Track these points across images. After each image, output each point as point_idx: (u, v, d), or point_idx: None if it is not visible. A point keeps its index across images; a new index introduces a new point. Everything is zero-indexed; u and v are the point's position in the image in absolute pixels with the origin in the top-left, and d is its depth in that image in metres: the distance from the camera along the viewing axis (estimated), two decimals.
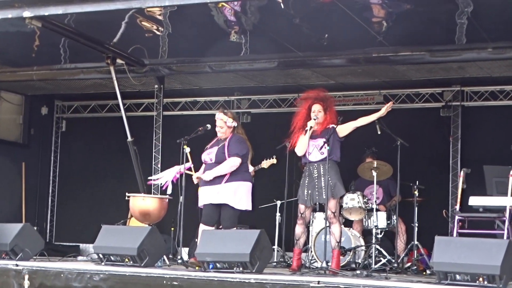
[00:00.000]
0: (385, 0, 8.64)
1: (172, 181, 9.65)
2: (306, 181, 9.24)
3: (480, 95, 12.28)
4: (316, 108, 9.27)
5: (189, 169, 9.55)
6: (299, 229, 9.33)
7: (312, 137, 9.18)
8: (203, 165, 9.42)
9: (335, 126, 9.23)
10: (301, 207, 9.28)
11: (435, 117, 12.39)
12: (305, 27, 9.63)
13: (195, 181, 9.38)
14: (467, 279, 7.16)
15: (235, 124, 9.33)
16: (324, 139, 8.98)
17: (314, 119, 9.16)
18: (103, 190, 14.16)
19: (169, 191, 9.62)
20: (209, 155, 9.27)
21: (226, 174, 9.12)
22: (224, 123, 9.27)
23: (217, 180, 9.16)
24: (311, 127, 9.13)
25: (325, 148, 8.96)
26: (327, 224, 9.18)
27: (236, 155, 9.13)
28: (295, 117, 9.48)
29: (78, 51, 11.06)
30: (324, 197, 9.04)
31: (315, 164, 9.19)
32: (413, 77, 11.93)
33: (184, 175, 9.48)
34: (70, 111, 14.98)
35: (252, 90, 13.33)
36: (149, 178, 10.15)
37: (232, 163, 9.13)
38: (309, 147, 9.17)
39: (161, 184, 9.90)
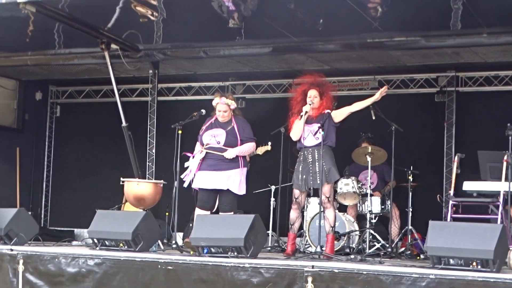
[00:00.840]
0: None
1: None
2: (301, 166, 9.24)
3: (474, 81, 12.29)
4: (312, 93, 9.26)
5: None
6: (293, 214, 9.34)
7: (308, 122, 9.18)
8: (197, 145, 9.44)
9: (330, 112, 9.24)
10: (296, 192, 9.29)
11: (429, 103, 12.40)
12: (300, 12, 9.61)
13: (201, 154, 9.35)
14: (461, 264, 7.19)
15: (235, 105, 9.43)
16: (319, 124, 8.98)
17: (310, 104, 9.16)
18: (97, 175, 14.14)
19: (186, 184, 9.53)
20: (215, 137, 9.28)
21: (230, 161, 9.22)
22: (228, 106, 9.33)
23: (219, 166, 9.21)
24: (306, 112, 9.12)
25: (320, 133, 8.97)
26: (321, 209, 9.20)
27: (253, 140, 9.40)
28: (291, 102, 9.48)
29: (72, 36, 11.03)
30: (319, 182, 9.06)
31: (310, 149, 9.20)
32: (407, 62, 11.92)
33: (179, 160, 9.48)
34: (64, 96, 14.95)
35: (247, 75, 13.32)
36: (182, 177, 9.92)
37: (253, 148, 9.47)
38: (304, 132, 9.17)
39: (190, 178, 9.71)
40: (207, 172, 9.26)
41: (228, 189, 9.22)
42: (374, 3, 9.29)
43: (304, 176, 9.18)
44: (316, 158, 9.14)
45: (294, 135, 9.32)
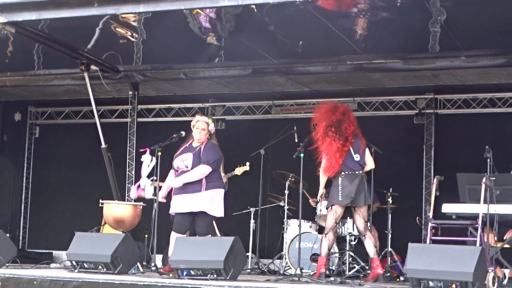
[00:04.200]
0: (360, 9, 8.67)
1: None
2: None
3: (453, 103, 12.37)
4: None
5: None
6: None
7: None
8: (171, 172, 9.46)
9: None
10: None
11: (408, 125, 12.45)
12: (280, 34, 9.65)
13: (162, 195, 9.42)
14: (440, 286, 7.22)
15: (213, 128, 9.41)
16: None
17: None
18: (76, 197, 14.06)
19: (148, 195, 9.56)
20: (183, 162, 9.28)
21: (202, 183, 9.16)
22: (207, 125, 9.36)
23: (193, 188, 9.19)
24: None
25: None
26: (302, 231, 9.24)
27: (206, 163, 9.19)
28: (317, 141, 9.53)
29: (52, 57, 11.00)
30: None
31: None
32: (387, 84, 11.98)
33: (158, 183, 9.48)
34: (43, 117, 14.89)
35: (227, 97, 13.33)
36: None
37: (202, 170, 9.20)
38: None
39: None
40: (180, 196, 9.28)
41: (202, 211, 9.19)
42: (354, 26, 9.34)
43: None
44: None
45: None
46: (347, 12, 8.73)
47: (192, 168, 9.21)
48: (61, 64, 11.56)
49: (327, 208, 9.59)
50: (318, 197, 9.62)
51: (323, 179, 9.47)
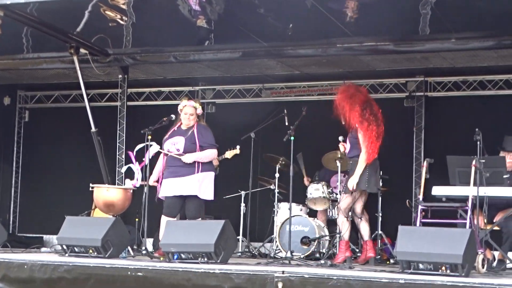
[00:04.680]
0: None
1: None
2: None
3: (443, 86, 12.38)
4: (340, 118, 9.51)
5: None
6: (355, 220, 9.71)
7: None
8: (161, 156, 9.46)
9: (357, 127, 9.43)
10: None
11: (398, 107, 12.46)
12: (270, 17, 9.62)
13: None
14: (430, 268, 7.24)
15: (201, 111, 9.43)
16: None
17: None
18: (66, 181, 14.04)
19: (136, 181, 9.59)
20: (175, 145, 9.30)
21: (196, 166, 9.19)
22: (194, 110, 9.37)
23: (187, 171, 9.21)
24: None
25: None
26: (292, 215, 9.25)
27: (213, 146, 9.34)
28: (352, 126, 9.52)
29: (41, 40, 10.96)
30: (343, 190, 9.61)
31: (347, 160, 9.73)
32: (377, 67, 11.98)
33: (148, 166, 9.48)
34: (33, 101, 14.85)
35: (217, 80, 13.31)
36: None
37: (213, 154, 9.41)
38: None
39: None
40: (170, 179, 9.29)
41: (194, 195, 9.22)
42: (344, 9, 9.32)
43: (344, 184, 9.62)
44: (349, 168, 9.56)
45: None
46: None
47: (184, 151, 9.23)
48: (50, 48, 11.51)
49: (345, 192, 9.47)
50: (354, 185, 9.33)
51: (363, 167, 9.31)
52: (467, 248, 7.18)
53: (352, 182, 9.29)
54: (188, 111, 9.36)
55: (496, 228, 8.88)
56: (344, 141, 9.68)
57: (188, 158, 9.23)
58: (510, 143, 9.41)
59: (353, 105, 9.40)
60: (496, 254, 9.04)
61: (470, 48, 10.40)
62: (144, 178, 9.52)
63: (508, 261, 8.89)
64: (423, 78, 12.36)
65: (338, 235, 10.23)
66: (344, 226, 9.48)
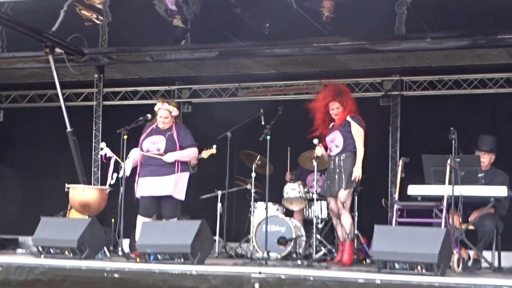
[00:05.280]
0: None
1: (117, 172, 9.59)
2: (326, 174, 9.67)
3: (419, 85, 12.42)
4: (335, 105, 9.54)
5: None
6: (334, 221, 9.61)
7: (330, 132, 9.56)
8: (136, 149, 9.43)
9: (350, 120, 9.46)
10: (328, 199, 9.59)
11: (374, 107, 12.48)
12: (247, 16, 9.62)
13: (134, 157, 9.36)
14: (406, 268, 7.29)
15: (177, 113, 9.41)
16: (339, 133, 9.43)
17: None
18: (42, 181, 13.95)
19: (111, 180, 9.56)
20: (155, 144, 9.31)
21: (175, 165, 9.21)
22: (169, 113, 9.38)
23: (167, 171, 9.21)
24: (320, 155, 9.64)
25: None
26: (269, 215, 9.24)
27: (194, 145, 9.42)
28: (315, 115, 9.65)
29: (16, 40, 10.89)
30: (337, 188, 9.37)
31: (333, 157, 9.53)
32: (353, 66, 12.02)
33: (124, 166, 9.44)
34: (8, 101, 14.73)
35: (193, 80, 13.29)
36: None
37: (194, 153, 9.52)
38: (328, 143, 9.55)
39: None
40: (148, 178, 9.28)
41: (169, 195, 9.22)
42: (320, 9, 9.34)
43: (328, 183, 9.49)
44: (337, 165, 9.42)
45: None
46: None
47: (164, 151, 9.26)
48: (26, 47, 11.42)
49: (347, 188, 9.42)
50: (359, 176, 9.41)
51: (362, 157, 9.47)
52: (442, 248, 7.23)
53: (357, 173, 9.35)
54: (162, 114, 9.38)
55: (471, 227, 8.94)
56: (320, 142, 9.65)
57: (170, 157, 9.24)
58: (485, 142, 9.48)
59: (351, 97, 9.69)
60: (472, 253, 9.09)
61: (445, 48, 10.46)
62: (121, 182, 9.47)
63: (483, 260, 8.95)
64: (398, 77, 12.39)
65: (314, 235, 10.21)
66: (351, 226, 9.50)
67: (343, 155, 9.42)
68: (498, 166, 9.46)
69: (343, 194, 9.33)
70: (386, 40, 10.45)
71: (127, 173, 9.36)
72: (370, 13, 9.38)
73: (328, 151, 9.62)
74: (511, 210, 9.73)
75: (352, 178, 9.34)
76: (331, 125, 9.68)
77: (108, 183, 9.52)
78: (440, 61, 11.45)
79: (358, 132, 9.48)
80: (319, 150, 9.70)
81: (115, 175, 9.48)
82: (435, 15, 9.35)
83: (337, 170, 9.42)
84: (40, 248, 8.87)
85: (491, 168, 9.33)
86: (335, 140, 9.50)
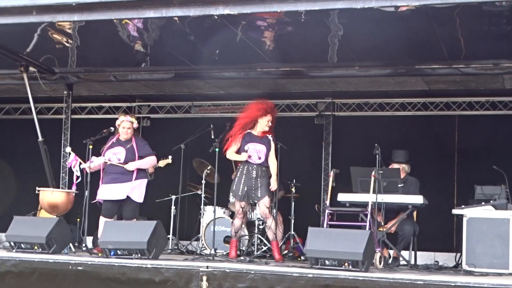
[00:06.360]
0: (269, 23, 8.71)
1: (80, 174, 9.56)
2: (243, 180, 9.28)
3: (348, 106, 12.53)
4: (269, 118, 9.44)
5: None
6: (238, 222, 9.40)
7: (253, 141, 9.33)
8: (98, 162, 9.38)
9: (271, 139, 9.39)
10: (241, 203, 9.31)
11: (310, 125, 12.56)
12: (199, 43, 9.62)
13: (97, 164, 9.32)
14: (335, 264, 7.33)
15: (137, 125, 9.55)
16: (264, 145, 9.31)
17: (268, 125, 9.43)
18: (15, 184, 13.74)
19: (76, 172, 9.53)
20: (116, 155, 9.35)
21: (133, 173, 9.25)
22: (131, 124, 9.43)
23: (126, 178, 9.24)
24: (249, 156, 9.29)
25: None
26: (216, 217, 9.22)
27: (153, 154, 9.46)
28: (243, 116, 9.51)
29: None
30: (260, 195, 9.22)
31: (255, 166, 9.29)
32: (291, 89, 12.07)
33: (89, 171, 9.38)
34: None
35: (152, 98, 13.23)
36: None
37: (153, 161, 9.53)
38: (250, 150, 9.29)
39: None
40: (110, 185, 9.29)
41: (130, 198, 9.23)
42: (263, 38, 9.38)
43: (246, 189, 9.24)
44: (259, 174, 9.24)
45: (230, 158, 9.50)
46: (258, 25, 8.75)
47: (124, 161, 9.29)
48: (2, 65, 11.22)
49: (269, 196, 9.35)
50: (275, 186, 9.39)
51: None
52: (366, 247, 7.29)
53: (275, 185, 9.32)
54: (126, 125, 9.41)
55: (392, 229, 9.05)
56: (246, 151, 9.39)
57: (131, 166, 9.27)
58: (397, 155, 9.64)
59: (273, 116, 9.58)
60: (392, 252, 9.19)
61: (371, 75, 10.56)
62: (86, 186, 9.39)
63: (401, 259, 9.05)
64: (331, 100, 12.49)
65: (256, 235, 10.21)
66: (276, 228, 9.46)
67: (264, 167, 9.33)
68: (413, 174, 9.60)
69: (267, 200, 9.28)
70: (320, 67, 10.49)
71: (95, 165, 9.36)
72: (307, 43, 9.44)
73: (248, 156, 9.34)
74: (426, 217, 9.91)
75: (272, 189, 9.33)
76: (245, 133, 9.46)
77: (74, 175, 9.47)
78: (367, 86, 11.55)
79: (274, 152, 9.45)
80: (244, 156, 9.40)
81: (80, 166, 9.48)
82: (363, 46, 9.44)
83: (258, 179, 9.28)
84: (12, 243, 8.73)
85: (406, 177, 9.46)
86: (260, 152, 9.34)
